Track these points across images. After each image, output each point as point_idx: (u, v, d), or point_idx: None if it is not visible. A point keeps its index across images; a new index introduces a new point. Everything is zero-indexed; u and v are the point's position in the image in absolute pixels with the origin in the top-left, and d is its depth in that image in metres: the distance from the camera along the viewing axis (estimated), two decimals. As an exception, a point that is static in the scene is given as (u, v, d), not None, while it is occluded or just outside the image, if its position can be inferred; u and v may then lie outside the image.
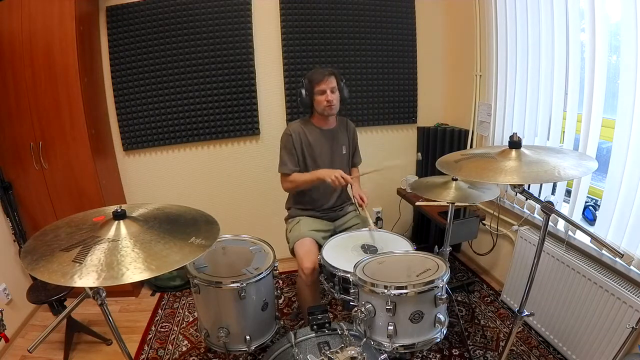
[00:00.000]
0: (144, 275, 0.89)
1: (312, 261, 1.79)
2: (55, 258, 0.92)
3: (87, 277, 0.86)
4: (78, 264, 0.89)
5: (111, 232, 1.01)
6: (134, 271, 0.89)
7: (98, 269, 0.89)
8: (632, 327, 1.31)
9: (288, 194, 2.17)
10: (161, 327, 2.32)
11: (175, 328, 2.31)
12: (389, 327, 1.27)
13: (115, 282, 0.87)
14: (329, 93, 1.89)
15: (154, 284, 2.73)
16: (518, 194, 1.25)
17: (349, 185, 2.22)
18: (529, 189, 2.18)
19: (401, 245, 1.76)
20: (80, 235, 1.00)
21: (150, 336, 2.24)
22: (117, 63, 2.53)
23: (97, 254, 0.93)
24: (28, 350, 1.04)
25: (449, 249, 1.87)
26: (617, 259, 1.66)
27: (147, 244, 0.99)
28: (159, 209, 1.21)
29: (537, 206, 2.12)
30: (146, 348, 2.14)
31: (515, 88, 2.27)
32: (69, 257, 0.92)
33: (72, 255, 0.92)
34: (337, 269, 1.58)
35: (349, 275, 1.49)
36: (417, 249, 1.67)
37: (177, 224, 1.14)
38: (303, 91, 1.93)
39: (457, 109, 2.88)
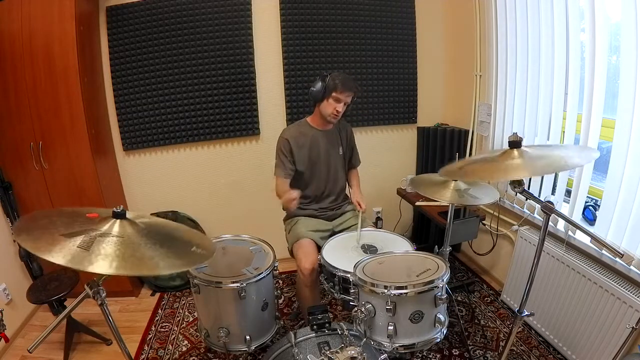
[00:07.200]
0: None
1: (310, 262, 1.79)
2: (55, 241, 0.93)
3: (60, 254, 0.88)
4: (84, 250, 0.91)
5: (105, 227, 1.02)
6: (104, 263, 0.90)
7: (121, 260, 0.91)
8: (632, 327, 1.31)
9: None
10: (161, 327, 2.32)
11: (175, 328, 2.31)
12: (389, 327, 1.27)
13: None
14: (342, 105, 1.90)
15: (154, 284, 2.72)
16: (518, 194, 1.25)
17: (348, 188, 2.23)
18: (529, 188, 2.19)
19: (401, 245, 1.76)
20: (80, 226, 1.01)
21: (150, 336, 2.24)
22: (117, 63, 2.53)
23: (109, 245, 0.95)
24: (28, 350, 1.04)
25: (449, 249, 1.87)
26: (617, 259, 1.66)
27: (136, 245, 1.00)
28: (157, 222, 1.22)
29: (537, 206, 2.12)
30: (146, 348, 2.14)
31: (515, 88, 2.27)
32: (71, 243, 0.93)
33: (75, 242, 0.93)
34: (337, 269, 1.59)
35: (349, 275, 1.49)
36: (417, 249, 1.67)
37: (172, 239, 1.15)
38: (320, 84, 1.89)
39: (457, 109, 2.88)
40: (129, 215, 1.08)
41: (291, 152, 1.98)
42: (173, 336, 2.23)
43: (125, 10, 2.46)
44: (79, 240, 0.94)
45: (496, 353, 1.97)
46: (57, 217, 1.06)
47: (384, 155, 3.01)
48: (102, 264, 0.90)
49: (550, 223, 1.99)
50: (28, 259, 2.35)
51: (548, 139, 2.07)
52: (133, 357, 1.66)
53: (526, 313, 1.34)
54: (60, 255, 0.88)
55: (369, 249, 1.74)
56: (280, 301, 2.49)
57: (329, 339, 1.39)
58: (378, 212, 3.12)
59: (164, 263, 0.98)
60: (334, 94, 1.87)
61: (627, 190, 1.60)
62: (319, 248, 1.86)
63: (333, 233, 2.04)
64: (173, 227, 1.23)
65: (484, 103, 2.52)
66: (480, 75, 2.55)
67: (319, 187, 2.07)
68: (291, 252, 1.98)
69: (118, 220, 1.04)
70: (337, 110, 1.90)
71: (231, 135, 2.75)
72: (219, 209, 2.86)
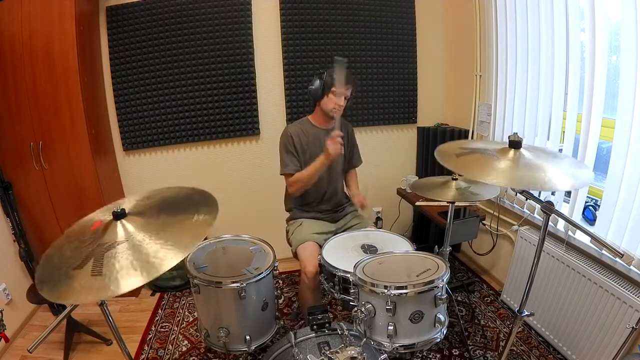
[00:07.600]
0: (179, 257, 0.91)
1: (315, 265, 1.78)
2: (72, 279, 0.90)
3: (128, 280, 0.86)
4: (99, 276, 0.88)
5: (120, 234, 0.99)
6: (168, 256, 0.90)
7: (134, 269, 0.88)
8: (632, 327, 1.31)
9: (285, 194, 2.17)
10: (161, 327, 2.32)
11: (175, 328, 2.31)
12: (389, 327, 1.27)
13: (158, 273, 0.87)
14: (342, 99, 1.90)
15: (154, 284, 2.72)
16: (518, 193, 1.25)
17: (345, 187, 2.22)
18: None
19: (401, 245, 1.76)
20: (87, 248, 0.97)
21: (150, 336, 2.24)
22: (117, 63, 2.53)
23: (119, 259, 0.91)
24: (28, 350, 1.05)
25: (449, 249, 1.87)
26: (617, 259, 1.66)
27: (160, 232, 0.99)
28: (149, 197, 1.18)
29: (537, 206, 2.12)
30: (146, 348, 2.14)
31: (515, 88, 2.27)
32: (86, 273, 0.89)
33: (88, 270, 0.90)
34: (337, 269, 1.58)
35: (349, 275, 1.49)
36: (417, 249, 1.67)
37: (174, 207, 1.14)
38: (319, 82, 1.91)
39: (457, 109, 2.88)
40: (128, 209, 1.07)
41: (295, 148, 1.98)
42: (173, 336, 2.23)
43: (125, 10, 2.46)
44: (90, 266, 0.91)
45: (496, 353, 1.97)
46: (66, 243, 1.03)
47: (384, 155, 3.01)
48: (126, 281, 0.87)
49: (550, 223, 1.99)
50: (28, 259, 2.36)
51: (548, 139, 2.07)
52: (133, 357, 1.66)
53: (526, 313, 1.34)
54: (84, 294, 0.86)
55: (369, 249, 1.74)
56: (280, 301, 2.49)
57: (329, 339, 1.39)
58: (378, 212, 3.12)
59: (172, 252, 0.95)
60: (333, 89, 1.88)
61: (627, 190, 1.60)
62: (322, 249, 1.85)
63: (336, 234, 2.03)
64: (172, 196, 1.21)
65: (484, 103, 2.52)
66: (480, 75, 2.55)
67: (321, 187, 2.06)
68: (295, 254, 1.98)
69: (121, 222, 1.03)
70: (338, 105, 1.90)
71: (231, 135, 2.75)
72: (219, 208, 2.85)
